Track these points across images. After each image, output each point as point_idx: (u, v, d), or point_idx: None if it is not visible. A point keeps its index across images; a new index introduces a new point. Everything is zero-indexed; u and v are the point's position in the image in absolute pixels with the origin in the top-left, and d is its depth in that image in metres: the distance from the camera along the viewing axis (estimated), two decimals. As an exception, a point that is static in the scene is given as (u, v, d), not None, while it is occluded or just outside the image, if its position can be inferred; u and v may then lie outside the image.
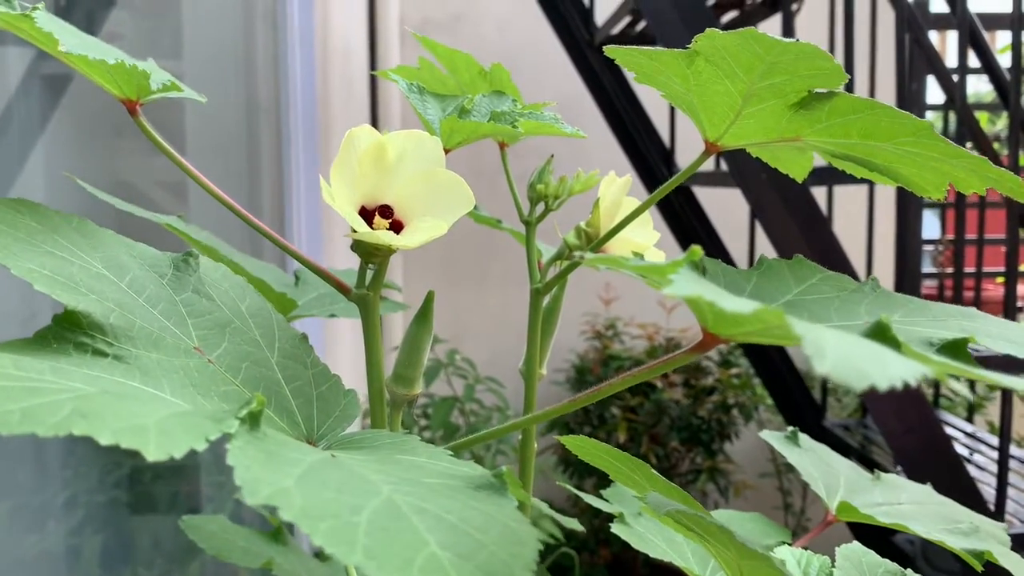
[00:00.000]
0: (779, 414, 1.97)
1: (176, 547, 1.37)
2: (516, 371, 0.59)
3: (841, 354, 0.20)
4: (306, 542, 1.48)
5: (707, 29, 0.40)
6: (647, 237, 0.55)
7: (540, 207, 0.56)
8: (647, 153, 1.92)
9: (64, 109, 1.20)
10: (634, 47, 0.43)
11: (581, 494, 0.64)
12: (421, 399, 1.88)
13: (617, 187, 0.55)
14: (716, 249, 2.05)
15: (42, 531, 1.15)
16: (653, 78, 0.45)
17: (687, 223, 2.01)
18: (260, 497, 0.24)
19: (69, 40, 0.35)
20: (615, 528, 0.59)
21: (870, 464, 1.69)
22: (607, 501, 0.63)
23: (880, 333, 0.25)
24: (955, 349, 0.32)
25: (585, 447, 0.45)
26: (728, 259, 2.07)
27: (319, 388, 0.41)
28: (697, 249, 0.26)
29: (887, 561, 0.56)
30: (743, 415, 2.26)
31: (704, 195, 2.05)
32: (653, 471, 0.43)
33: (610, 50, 0.43)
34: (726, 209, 2.17)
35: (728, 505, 2.34)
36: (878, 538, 1.57)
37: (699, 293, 0.22)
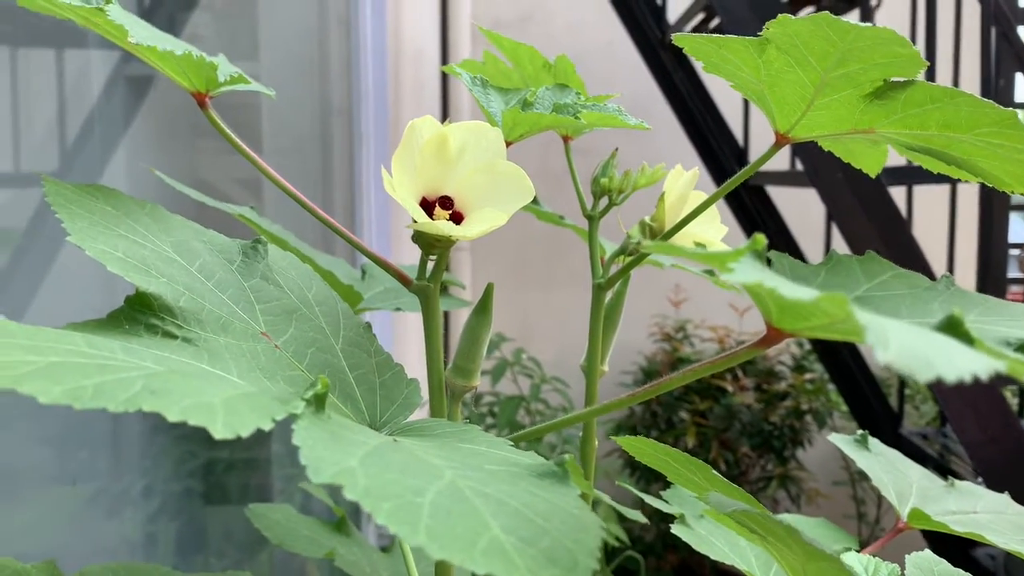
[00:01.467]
0: (854, 421, 1.92)
1: (247, 537, 1.40)
2: (581, 371, 0.59)
3: (906, 343, 0.19)
4: (371, 534, 1.49)
5: (779, 15, 0.39)
6: (715, 232, 0.54)
7: (604, 202, 0.56)
8: (719, 152, 1.89)
9: (146, 109, 1.24)
10: (703, 35, 0.42)
11: (642, 495, 0.63)
12: (488, 397, 1.88)
13: (684, 181, 0.54)
14: (790, 250, 2.01)
15: (121, 518, 1.19)
16: (722, 67, 0.44)
17: (760, 223, 1.97)
18: (325, 476, 0.24)
19: (139, 33, 0.36)
20: (675, 529, 0.58)
21: (949, 475, 1.63)
22: (668, 503, 0.62)
23: (952, 328, 0.24)
24: None
25: (642, 448, 0.44)
26: (802, 258, 2.02)
27: (382, 377, 0.41)
28: (760, 237, 0.25)
29: (960, 571, 0.54)
30: (816, 421, 2.21)
31: (779, 195, 2.01)
32: (714, 472, 0.42)
33: (679, 38, 0.43)
34: (801, 209, 2.13)
35: (799, 513, 2.29)
36: (957, 550, 1.52)
37: (759, 280, 0.21)
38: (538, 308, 2.52)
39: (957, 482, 0.69)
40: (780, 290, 0.21)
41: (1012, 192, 0.44)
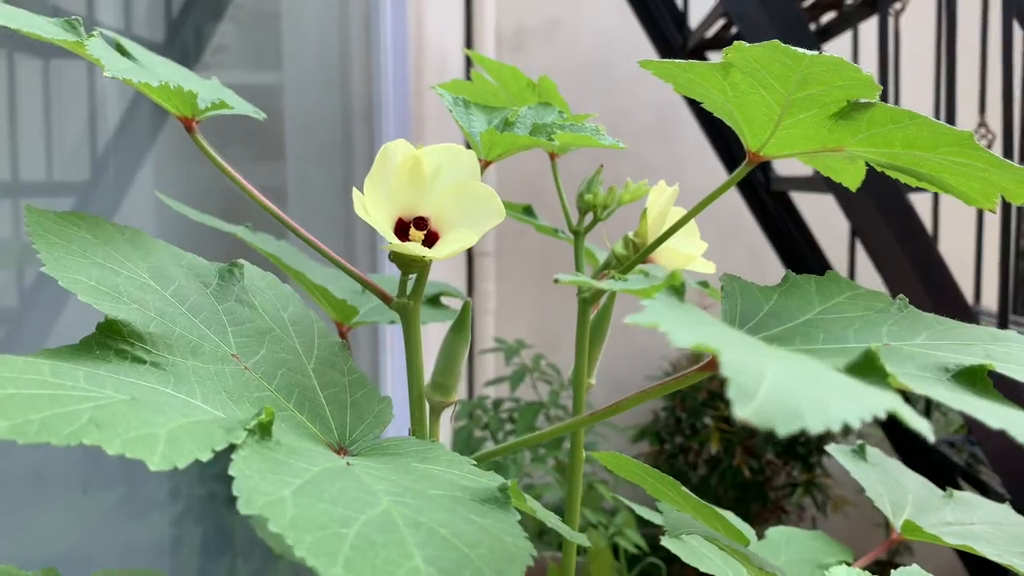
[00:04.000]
0: (879, 427, 1.89)
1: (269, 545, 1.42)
2: (602, 379, 0.60)
3: (778, 391, 0.19)
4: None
5: (735, 43, 0.40)
6: (695, 247, 0.55)
7: (590, 217, 0.57)
8: (737, 150, 1.89)
9: (173, 120, 1.27)
10: (668, 60, 0.43)
11: (634, 506, 0.64)
12: (508, 403, 1.89)
13: (665, 197, 0.55)
14: (814, 256, 1.99)
15: (145, 522, 1.21)
16: (692, 89, 0.45)
17: (784, 230, 1.96)
18: (254, 507, 0.25)
19: (116, 65, 0.38)
20: (665, 542, 0.58)
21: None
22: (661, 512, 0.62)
23: (868, 363, 0.25)
24: (972, 376, 0.30)
25: (619, 463, 0.45)
26: (827, 266, 2.00)
27: (354, 395, 0.42)
28: (678, 274, 0.26)
29: None
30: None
31: (803, 200, 1.99)
32: (686, 490, 0.43)
33: (643, 63, 0.43)
34: (827, 214, 2.11)
35: (826, 521, 2.26)
36: (983, 568, 1.50)
37: (655, 322, 0.22)
38: (560, 315, 2.52)
39: (956, 493, 0.69)
40: (671, 335, 0.22)
41: (982, 208, 0.44)
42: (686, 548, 0.59)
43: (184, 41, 1.35)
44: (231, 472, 0.26)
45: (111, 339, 0.33)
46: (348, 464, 0.32)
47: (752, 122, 0.44)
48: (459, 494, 0.30)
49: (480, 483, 0.32)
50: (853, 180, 0.52)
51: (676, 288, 0.26)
